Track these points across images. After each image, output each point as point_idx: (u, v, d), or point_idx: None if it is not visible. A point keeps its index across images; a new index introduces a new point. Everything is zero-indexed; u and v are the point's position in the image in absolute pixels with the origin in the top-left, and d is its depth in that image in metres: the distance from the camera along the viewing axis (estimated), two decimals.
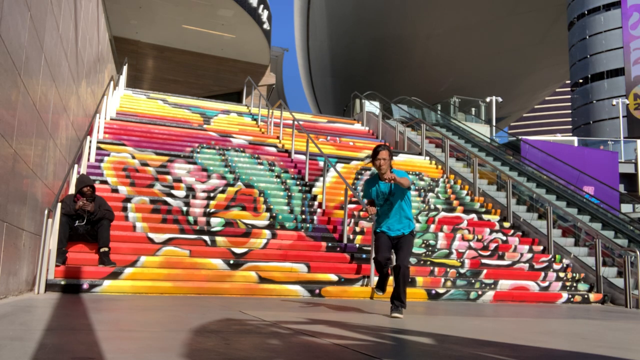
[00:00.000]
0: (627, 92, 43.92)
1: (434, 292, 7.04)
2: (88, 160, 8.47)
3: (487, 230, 9.31)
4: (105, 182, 8.19)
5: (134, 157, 9.35)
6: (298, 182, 9.82)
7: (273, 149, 11.53)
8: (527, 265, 8.41)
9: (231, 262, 6.65)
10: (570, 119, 61.62)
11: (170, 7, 19.69)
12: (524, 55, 48.49)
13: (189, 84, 23.56)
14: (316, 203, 9.07)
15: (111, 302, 4.65)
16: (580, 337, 3.74)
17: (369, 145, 13.59)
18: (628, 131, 40.80)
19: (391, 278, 4.84)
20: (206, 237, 7.07)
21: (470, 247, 8.54)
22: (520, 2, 43.13)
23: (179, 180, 8.83)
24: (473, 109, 21.21)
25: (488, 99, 27.65)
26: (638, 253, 7.99)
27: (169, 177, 8.86)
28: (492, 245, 8.82)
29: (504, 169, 12.88)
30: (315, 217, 8.47)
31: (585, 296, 7.81)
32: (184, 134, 11.43)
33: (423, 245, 8.30)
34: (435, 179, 11.55)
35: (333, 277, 6.76)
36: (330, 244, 7.62)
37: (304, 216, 8.41)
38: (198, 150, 10.37)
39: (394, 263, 4.78)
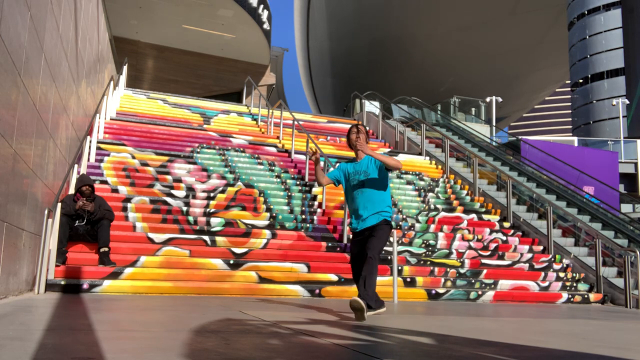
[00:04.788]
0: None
1: (434, 292, 7.04)
2: (88, 160, 8.47)
3: (487, 230, 9.31)
4: (105, 182, 8.19)
5: (134, 157, 9.35)
6: (298, 182, 9.82)
7: (273, 149, 11.53)
8: (527, 265, 8.41)
9: (231, 262, 6.66)
10: (570, 119, 61.68)
11: (170, 7, 19.70)
12: (524, 55, 48.46)
13: (189, 84, 23.55)
14: (316, 203, 9.08)
15: (111, 302, 4.65)
16: (580, 337, 3.74)
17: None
18: (628, 131, 40.83)
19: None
20: (206, 237, 7.08)
21: (470, 247, 8.54)
22: (520, 2, 43.12)
23: (179, 180, 8.83)
24: (473, 109, 21.22)
25: (488, 99, 27.66)
26: (638, 253, 7.99)
27: (169, 177, 8.86)
28: (492, 245, 8.82)
29: (504, 169, 12.89)
30: (315, 217, 8.47)
31: (585, 296, 7.82)
32: (184, 134, 11.44)
33: (423, 245, 8.31)
34: (435, 179, 11.56)
35: (333, 277, 6.77)
36: (330, 244, 7.62)
37: (304, 216, 8.41)
38: (198, 150, 10.37)
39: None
